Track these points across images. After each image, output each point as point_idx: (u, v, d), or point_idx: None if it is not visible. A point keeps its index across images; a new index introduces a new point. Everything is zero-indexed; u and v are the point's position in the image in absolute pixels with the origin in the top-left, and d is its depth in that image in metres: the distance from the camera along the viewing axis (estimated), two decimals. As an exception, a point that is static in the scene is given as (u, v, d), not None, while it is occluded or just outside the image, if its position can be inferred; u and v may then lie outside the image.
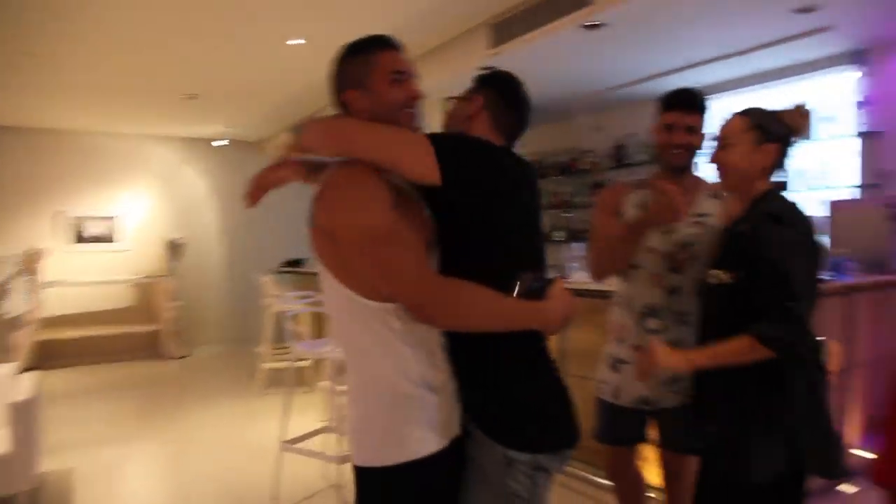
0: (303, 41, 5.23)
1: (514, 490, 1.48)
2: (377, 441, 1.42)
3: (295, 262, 7.64)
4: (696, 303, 2.10)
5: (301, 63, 5.80)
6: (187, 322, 8.45)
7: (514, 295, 1.44)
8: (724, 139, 1.89)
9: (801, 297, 1.70)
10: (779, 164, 1.88)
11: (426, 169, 1.42)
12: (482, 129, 1.67)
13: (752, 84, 5.22)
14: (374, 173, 1.41)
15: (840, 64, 4.73)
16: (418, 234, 1.43)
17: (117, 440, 4.92)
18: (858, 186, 4.60)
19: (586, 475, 3.50)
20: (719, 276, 1.86)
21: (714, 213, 2.24)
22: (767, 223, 1.77)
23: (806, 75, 4.96)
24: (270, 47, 5.38)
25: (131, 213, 8.66)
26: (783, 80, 5.07)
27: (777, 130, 1.86)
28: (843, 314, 3.36)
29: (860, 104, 4.52)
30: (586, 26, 4.12)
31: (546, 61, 4.96)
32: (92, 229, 8.36)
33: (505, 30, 4.60)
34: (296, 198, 9.96)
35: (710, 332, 1.90)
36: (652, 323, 2.24)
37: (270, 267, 7.78)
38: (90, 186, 8.40)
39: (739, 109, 1.94)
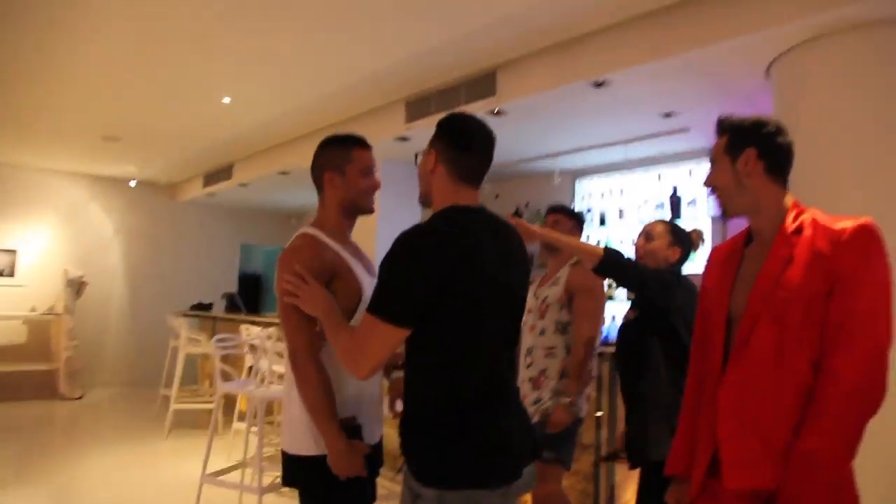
0: (229, 100, 5.62)
1: None
2: (298, 435, 1.82)
3: (203, 307, 7.74)
4: (556, 338, 2.93)
5: (225, 118, 6.16)
6: (83, 362, 8.27)
7: (342, 418, 1.77)
8: (650, 234, 2.60)
9: (658, 285, 2.36)
10: (679, 263, 2.59)
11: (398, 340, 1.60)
12: (442, 182, 1.70)
13: (627, 168, 6.08)
14: (318, 248, 1.85)
15: (698, 157, 5.63)
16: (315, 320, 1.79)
17: (14, 483, 4.76)
18: (710, 261, 5.44)
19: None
20: (628, 315, 2.57)
21: (566, 276, 3.00)
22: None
23: (670, 164, 5.86)
24: (200, 101, 5.71)
25: (31, 247, 8.50)
26: (652, 168, 5.96)
27: (684, 241, 2.60)
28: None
29: (711, 192, 5.38)
30: (490, 112, 4.78)
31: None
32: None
33: (419, 108, 5.21)
34: (201, 245, 10.03)
35: (624, 357, 2.58)
36: (527, 360, 2.97)
37: (175, 310, 7.84)
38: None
39: (662, 219, 2.75)
